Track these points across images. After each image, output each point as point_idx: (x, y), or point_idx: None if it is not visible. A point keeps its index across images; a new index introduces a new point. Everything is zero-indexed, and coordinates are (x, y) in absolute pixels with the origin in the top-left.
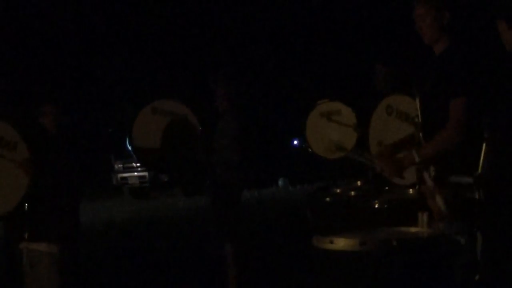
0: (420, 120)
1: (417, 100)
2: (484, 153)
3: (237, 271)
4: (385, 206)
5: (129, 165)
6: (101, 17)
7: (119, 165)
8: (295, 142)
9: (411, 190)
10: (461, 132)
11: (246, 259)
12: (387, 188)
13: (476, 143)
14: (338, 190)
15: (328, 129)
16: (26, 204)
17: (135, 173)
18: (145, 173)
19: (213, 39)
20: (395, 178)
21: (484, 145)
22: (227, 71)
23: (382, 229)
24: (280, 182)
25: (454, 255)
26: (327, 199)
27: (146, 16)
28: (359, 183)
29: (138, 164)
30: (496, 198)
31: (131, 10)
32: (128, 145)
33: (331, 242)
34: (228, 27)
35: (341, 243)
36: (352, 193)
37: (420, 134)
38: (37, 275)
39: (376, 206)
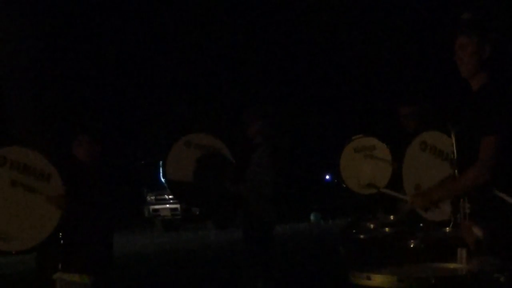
0: (455, 157)
1: (453, 136)
2: None
3: None
4: (422, 245)
5: (161, 197)
6: (136, 48)
7: (151, 197)
8: (328, 177)
9: (447, 228)
10: (490, 170)
11: None
12: (421, 225)
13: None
14: (372, 226)
15: (362, 164)
16: (61, 235)
17: (167, 205)
18: (177, 206)
19: (248, 73)
20: (426, 212)
21: None
22: (261, 105)
23: (420, 266)
24: (312, 217)
25: None
26: (361, 236)
27: (181, 49)
28: (392, 217)
29: (170, 196)
30: None
31: (168, 41)
32: (162, 178)
33: (368, 279)
34: (263, 61)
35: (378, 279)
36: (387, 229)
37: (456, 171)
38: None
39: (412, 245)
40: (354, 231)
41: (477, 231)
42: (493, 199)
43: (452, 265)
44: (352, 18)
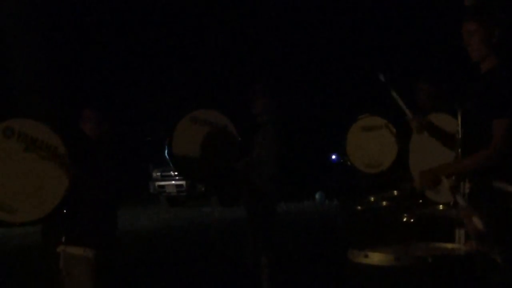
0: (460, 136)
1: (459, 116)
2: None
3: (272, 283)
4: (412, 220)
5: (167, 173)
6: (142, 26)
7: (157, 174)
8: (334, 157)
9: (441, 206)
10: (502, 152)
11: (281, 272)
12: (420, 201)
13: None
14: (372, 199)
15: (368, 143)
16: (65, 208)
17: (173, 182)
18: (183, 182)
19: (255, 50)
20: (431, 190)
21: None
22: (267, 82)
23: (418, 244)
24: (317, 196)
25: (490, 273)
26: (359, 207)
27: (187, 27)
28: (395, 192)
29: (175, 173)
30: None
31: (173, 21)
32: (166, 155)
33: (366, 256)
34: (270, 39)
35: (376, 257)
36: (384, 203)
37: (459, 150)
38: (72, 279)
39: (405, 219)
40: (352, 202)
41: (477, 222)
42: (491, 184)
43: (449, 245)
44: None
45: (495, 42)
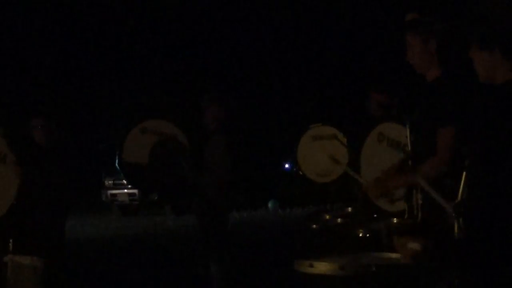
0: (410, 147)
1: (407, 127)
2: (464, 181)
3: None
4: (367, 235)
5: (119, 182)
6: (95, 37)
7: (109, 182)
8: (287, 166)
9: (395, 219)
10: (447, 161)
11: (231, 281)
12: (375, 216)
13: (458, 171)
14: (327, 217)
15: (320, 152)
16: (12, 216)
17: (125, 190)
18: (135, 191)
19: (205, 60)
20: (380, 200)
21: (464, 173)
22: (217, 92)
23: (364, 254)
24: (270, 205)
25: (433, 282)
26: (314, 226)
27: (138, 38)
28: (349, 209)
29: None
30: (475, 227)
31: (128, 28)
32: (117, 165)
33: (311, 266)
34: (220, 48)
35: (321, 267)
36: (339, 220)
37: (410, 162)
38: None
39: (360, 234)
40: (309, 221)
41: (414, 245)
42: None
43: (394, 255)
44: (313, 10)
45: (434, 52)
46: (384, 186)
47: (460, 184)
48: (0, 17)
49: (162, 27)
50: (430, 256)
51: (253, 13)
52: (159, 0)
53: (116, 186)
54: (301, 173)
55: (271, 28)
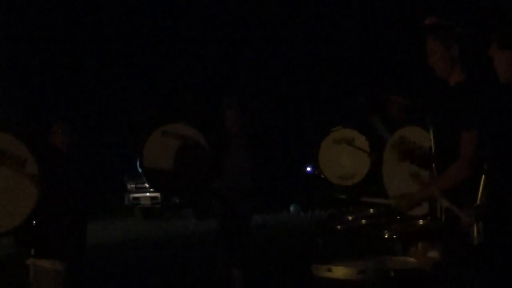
0: (433, 151)
1: (431, 131)
2: (483, 185)
3: None
4: (394, 236)
5: (142, 185)
6: (119, 41)
7: (132, 185)
8: (308, 169)
9: (421, 221)
10: (471, 164)
11: (252, 284)
12: (398, 217)
13: (478, 175)
14: (350, 218)
15: (341, 156)
16: (34, 220)
17: (147, 194)
18: (157, 194)
19: (225, 64)
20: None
21: (483, 176)
22: (239, 96)
23: (383, 259)
24: (292, 208)
25: (453, 287)
26: (338, 227)
27: (159, 42)
28: (371, 210)
29: None
30: (495, 231)
31: (148, 34)
32: (138, 168)
33: (329, 270)
34: (241, 51)
35: (339, 271)
36: (363, 221)
37: (433, 165)
38: None
39: (386, 236)
40: (331, 222)
41: (433, 254)
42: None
43: (412, 259)
44: (334, 11)
45: (455, 57)
46: (414, 199)
47: (479, 188)
48: (23, 23)
49: (182, 31)
50: (448, 263)
51: (274, 15)
52: (178, 4)
53: (139, 190)
54: (322, 176)
55: (293, 30)
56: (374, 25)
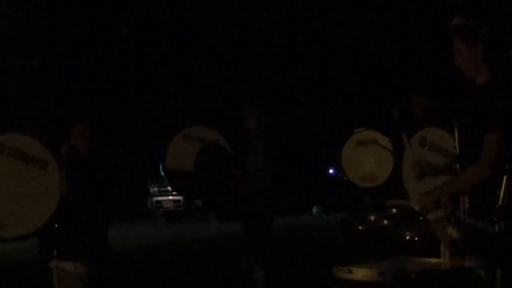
0: (457, 151)
1: (456, 132)
2: (505, 185)
3: None
4: (416, 237)
5: (164, 189)
6: (139, 41)
7: (154, 189)
8: (331, 171)
9: (444, 222)
10: (493, 166)
11: (275, 286)
12: (421, 218)
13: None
14: (372, 218)
15: (364, 157)
16: (56, 223)
17: (170, 197)
18: (180, 197)
19: (246, 66)
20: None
21: (505, 177)
22: (259, 98)
23: (403, 260)
24: (315, 210)
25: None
26: (360, 227)
27: (182, 44)
28: (394, 210)
29: None
30: None
31: (170, 36)
32: (161, 172)
33: (350, 272)
34: (262, 53)
35: (359, 273)
36: (385, 222)
37: (457, 165)
38: None
39: (408, 237)
40: (354, 222)
41: (453, 232)
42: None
43: (434, 260)
44: (359, 10)
45: (481, 57)
46: (434, 200)
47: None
48: (47, 26)
49: (204, 34)
50: (464, 250)
51: (294, 19)
52: (198, 7)
53: (161, 193)
54: (345, 178)
55: (314, 31)
56: (395, 23)
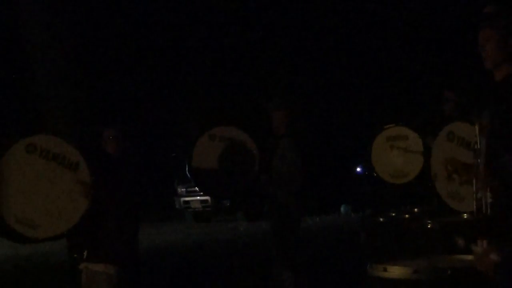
0: (479, 147)
1: (476, 126)
2: None
3: None
4: (438, 227)
5: (192, 189)
6: (167, 43)
7: (182, 189)
8: (358, 169)
9: (465, 214)
10: None
11: (304, 286)
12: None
13: None
14: (393, 213)
15: (394, 154)
16: (86, 224)
17: (198, 197)
18: (207, 197)
19: (272, 64)
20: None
21: None
22: (284, 96)
23: (438, 257)
24: (342, 209)
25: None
26: (380, 219)
27: (207, 44)
28: (416, 209)
29: None
30: None
31: (195, 37)
32: (187, 172)
33: (385, 270)
34: (287, 51)
35: (395, 271)
36: (406, 215)
37: (478, 160)
38: None
39: (429, 226)
40: (374, 216)
41: (494, 256)
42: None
43: (469, 257)
44: (385, 8)
45: (510, 51)
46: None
47: None
48: (75, 35)
49: (228, 34)
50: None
51: (319, 17)
52: (223, 8)
53: (189, 193)
54: (375, 174)
55: (341, 29)
56: (428, 18)
